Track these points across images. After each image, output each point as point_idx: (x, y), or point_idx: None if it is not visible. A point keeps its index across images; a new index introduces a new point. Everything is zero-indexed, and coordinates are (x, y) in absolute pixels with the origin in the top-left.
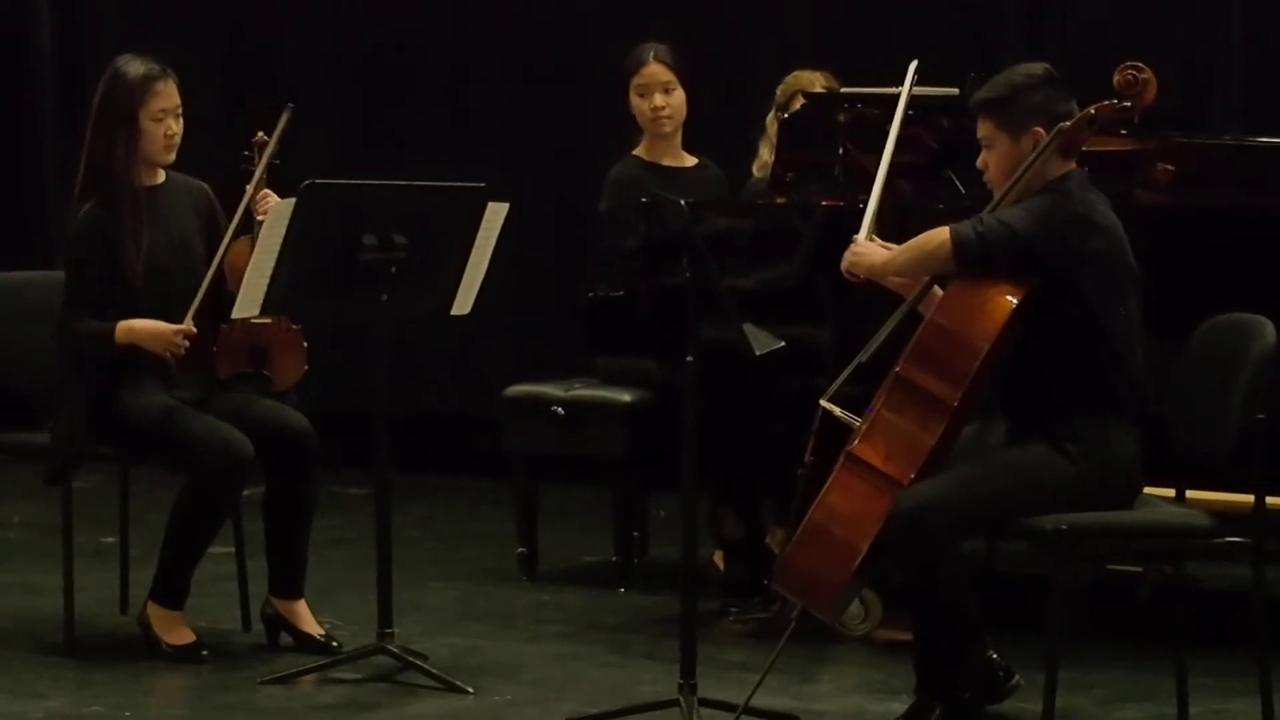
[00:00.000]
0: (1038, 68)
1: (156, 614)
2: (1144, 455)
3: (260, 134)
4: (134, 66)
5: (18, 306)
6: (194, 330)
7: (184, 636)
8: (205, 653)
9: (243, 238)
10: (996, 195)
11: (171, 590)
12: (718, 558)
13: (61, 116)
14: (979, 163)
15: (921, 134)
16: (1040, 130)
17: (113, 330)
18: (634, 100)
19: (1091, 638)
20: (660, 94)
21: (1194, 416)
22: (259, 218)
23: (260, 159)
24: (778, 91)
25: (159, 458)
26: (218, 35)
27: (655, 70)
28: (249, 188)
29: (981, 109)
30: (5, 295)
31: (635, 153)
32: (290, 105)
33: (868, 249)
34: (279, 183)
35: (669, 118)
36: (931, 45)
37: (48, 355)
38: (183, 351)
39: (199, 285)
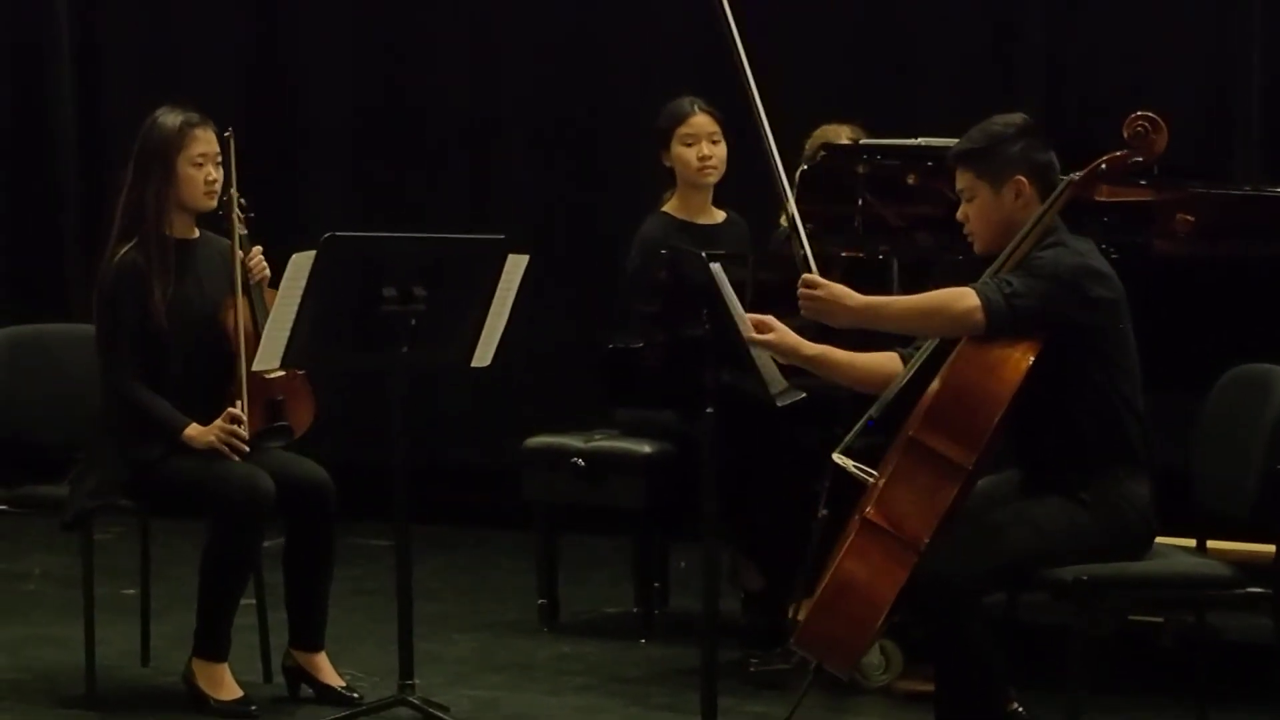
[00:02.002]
0: (1016, 117)
1: (201, 669)
2: (1164, 506)
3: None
4: (173, 115)
5: (38, 359)
6: (242, 415)
7: (231, 691)
8: (254, 708)
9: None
10: (989, 248)
11: (212, 642)
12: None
13: (82, 169)
14: (959, 215)
15: (940, 186)
16: (1022, 179)
17: (180, 428)
18: (678, 151)
19: (1113, 689)
20: (708, 144)
21: (1215, 467)
22: (253, 280)
23: (232, 213)
24: (806, 145)
25: (183, 502)
26: (238, 98)
27: (703, 121)
28: (238, 249)
29: (960, 160)
30: (25, 348)
31: (665, 209)
32: (228, 132)
33: (836, 291)
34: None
35: (714, 168)
36: (951, 101)
37: (68, 408)
38: (245, 443)
39: (226, 342)
